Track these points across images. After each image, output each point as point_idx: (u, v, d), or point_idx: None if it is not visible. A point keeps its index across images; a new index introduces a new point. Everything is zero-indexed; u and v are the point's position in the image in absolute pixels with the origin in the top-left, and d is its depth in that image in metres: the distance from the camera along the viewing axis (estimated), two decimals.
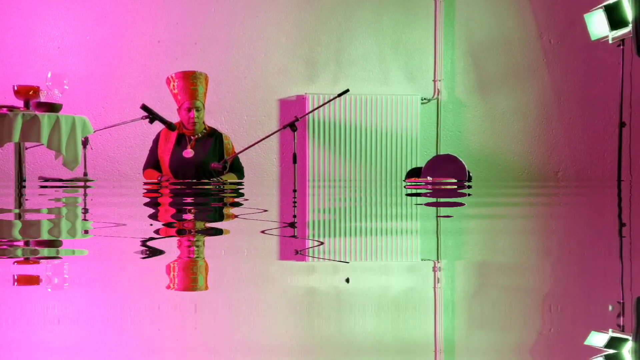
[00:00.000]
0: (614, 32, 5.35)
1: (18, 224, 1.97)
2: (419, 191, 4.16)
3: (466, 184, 4.85)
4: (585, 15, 5.51)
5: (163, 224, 2.17)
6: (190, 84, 4.59)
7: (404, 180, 5.53)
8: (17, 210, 2.35)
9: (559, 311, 1.02)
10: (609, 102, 6.10)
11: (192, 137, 4.63)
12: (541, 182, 5.80)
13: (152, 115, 4.55)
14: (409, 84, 6.08)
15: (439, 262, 1.35)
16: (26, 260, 1.37)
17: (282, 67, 5.98)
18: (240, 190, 3.98)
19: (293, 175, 5.05)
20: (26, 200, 2.95)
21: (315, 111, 5.73)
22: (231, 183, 4.58)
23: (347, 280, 1.20)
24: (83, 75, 5.76)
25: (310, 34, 6.00)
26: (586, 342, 0.86)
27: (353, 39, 6.04)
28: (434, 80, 6.11)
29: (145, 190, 4.10)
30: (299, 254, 1.56)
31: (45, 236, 1.72)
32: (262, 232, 1.95)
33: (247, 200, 3.36)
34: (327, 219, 2.38)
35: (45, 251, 1.49)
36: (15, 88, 4.43)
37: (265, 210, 2.72)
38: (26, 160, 4.71)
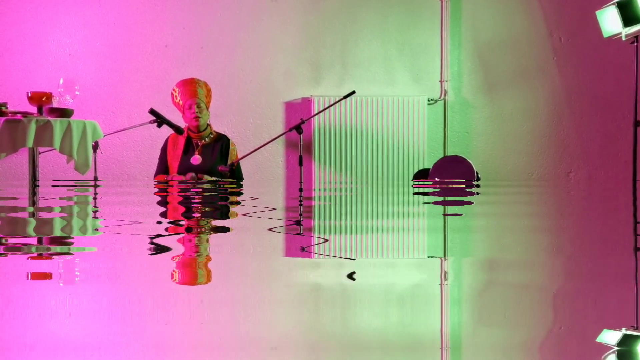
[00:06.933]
0: (627, 28, 5.21)
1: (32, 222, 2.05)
2: (426, 192, 4.12)
3: (475, 184, 4.78)
4: (597, 12, 5.38)
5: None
6: (190, 87, 4.72)
7: (412, 182, 5.49)
8: (31, 209, 2.46)
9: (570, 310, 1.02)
10: (623, 100, 5.92)
11: (199, 143, 4.70)
12: (552, 183, 5.68)
13: (159, 119, 4.64)
14: (415, 85, 6.03)
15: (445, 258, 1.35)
16: (39, 256, 1.44)
17: (287, 70, 5.99)
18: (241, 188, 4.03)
19: (299, 178, 5.08)
20: (39, 199, 3.05)
21: (321, 113, 5.74)
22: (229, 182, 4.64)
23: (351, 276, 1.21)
24: (93, 80, 5.90)
25: (315, 37, 6.00)
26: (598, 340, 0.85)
27: (358, 41, 6.01)
28: (441, 81, 6.03)
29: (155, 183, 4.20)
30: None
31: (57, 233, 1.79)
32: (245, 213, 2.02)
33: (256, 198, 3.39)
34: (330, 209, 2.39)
35: (57, 248, 1.55)
36: (29, 94, 4.57)
37: (256, 198, 2.78)
38: (39, 164, 4.86)
